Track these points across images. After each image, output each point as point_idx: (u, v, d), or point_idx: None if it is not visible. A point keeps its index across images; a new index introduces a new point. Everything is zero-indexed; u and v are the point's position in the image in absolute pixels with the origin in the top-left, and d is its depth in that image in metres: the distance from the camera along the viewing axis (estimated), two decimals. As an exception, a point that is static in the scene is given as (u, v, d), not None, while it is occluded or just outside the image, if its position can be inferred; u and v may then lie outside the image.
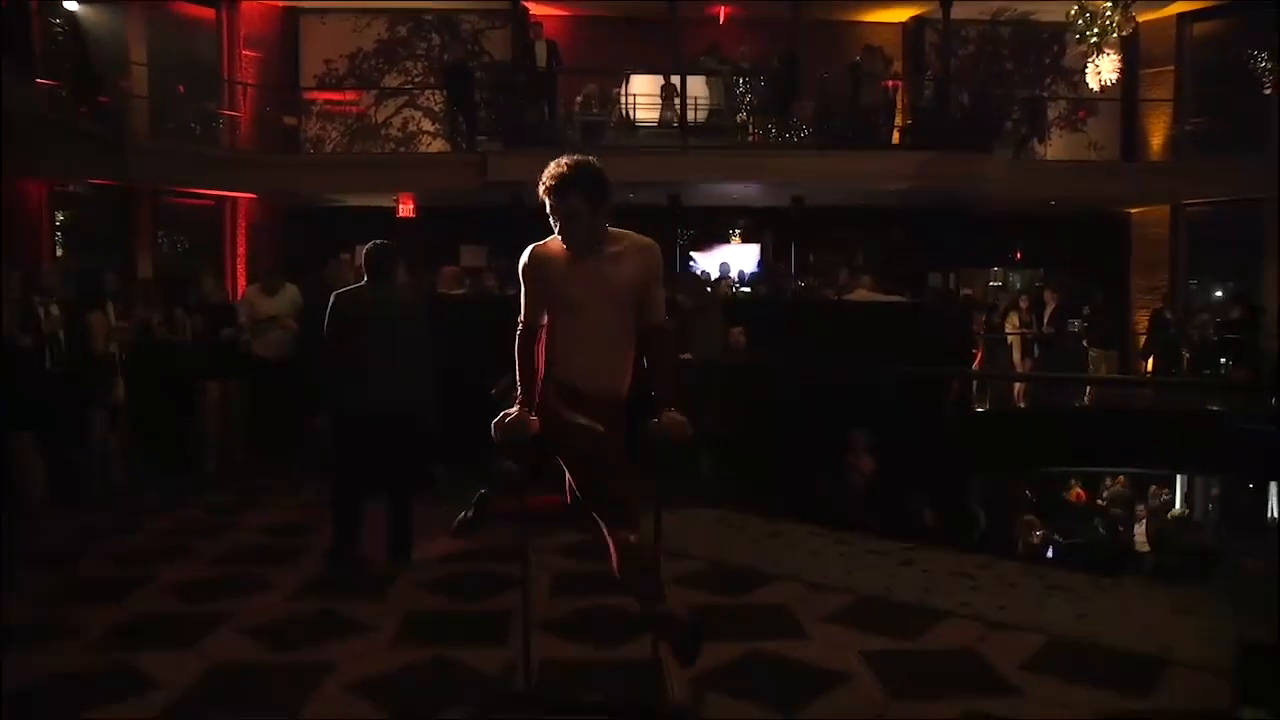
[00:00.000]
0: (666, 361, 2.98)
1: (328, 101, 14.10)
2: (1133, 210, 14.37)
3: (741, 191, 13.20)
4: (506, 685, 3.30)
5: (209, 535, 5.69)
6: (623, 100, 13.19)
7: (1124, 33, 8.28)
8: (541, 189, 2.84)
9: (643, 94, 13.29)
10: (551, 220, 2.86)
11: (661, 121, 12.98)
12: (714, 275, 12.87)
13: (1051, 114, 13.99)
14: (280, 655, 3.78)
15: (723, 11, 13.69)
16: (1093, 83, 9.01)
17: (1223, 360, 12.67)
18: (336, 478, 4.89)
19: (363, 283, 4.88)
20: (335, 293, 4.84)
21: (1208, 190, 13.52)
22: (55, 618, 4.17)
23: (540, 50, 12.11)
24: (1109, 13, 7.02)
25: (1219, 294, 14.33)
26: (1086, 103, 13.77)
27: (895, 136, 13.16)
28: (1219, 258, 14.22)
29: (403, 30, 13.86)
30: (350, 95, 14.05)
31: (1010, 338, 11.80)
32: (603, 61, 13.39)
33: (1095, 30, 8.13)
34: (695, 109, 13.10)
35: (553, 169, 2.83)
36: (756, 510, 6.32)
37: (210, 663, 3.66)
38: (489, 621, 4.06)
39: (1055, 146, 14.04)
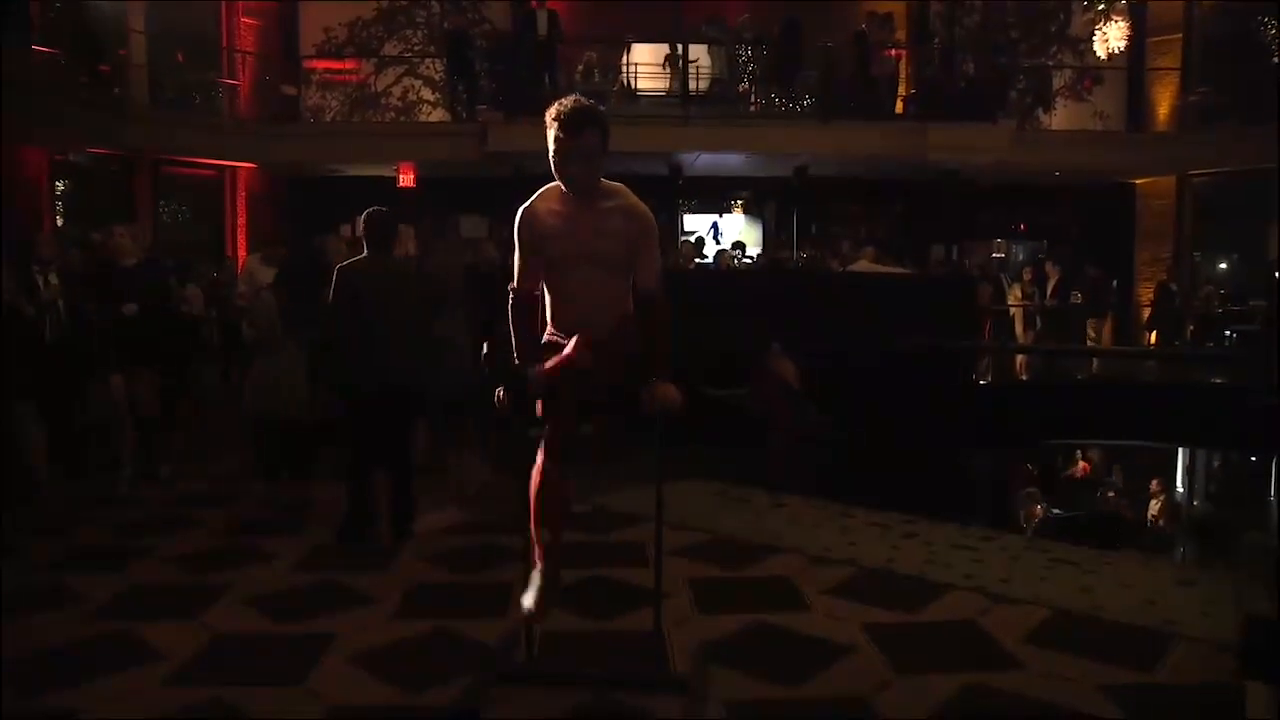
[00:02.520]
0: (655, 329, 2.92)
1: (327, 70, 13.98)
2: (1138, 181, 14.27)
3: (744, 162, 13.11)
4: (507, 657, 3.30)
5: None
6: (624, 69, 13.08)
7: (1133, -1, 8.15)
8: (555, 124, 2.73)
9: (644, 63, 13.18)
10: (556, 159, 2.77)
11: (669, 90, 12.87)
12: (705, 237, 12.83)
13: (1057, 83, 13.85)
14: (283, 626, 3.79)
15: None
16: (1100, 50, 8.91)
17: (1228, 333, 12.67)
18: (350, 453, 4.88)
19: (363, 255, 4.84)
20: (339, 267, 4.79)
21: (1214, 161, 13.42)
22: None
23: (541, 19, 11.96)
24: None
25: (1223, 265, 14.30)
26: (1092, 72, 13.63)
27: (899, 106, 13.04)
28: (1225, 229, 14.15)
29: (402, -2, 13.70)
30: (350, 64, 13.91)
31: (1014, 310, 11.77)
32: (604, 30, 13.24)
33: (1106, -4, 8.01)
34: (697, 78, 13.01)
35: (569, 103, 2.74)
36: (759, 484, 6.31)
37: (213, 633, 3.67)
38: (491, 593, 4.06)
39: (1060, 116, 13.92)
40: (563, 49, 12.46)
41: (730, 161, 13.02)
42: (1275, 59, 13.30)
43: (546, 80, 12.18)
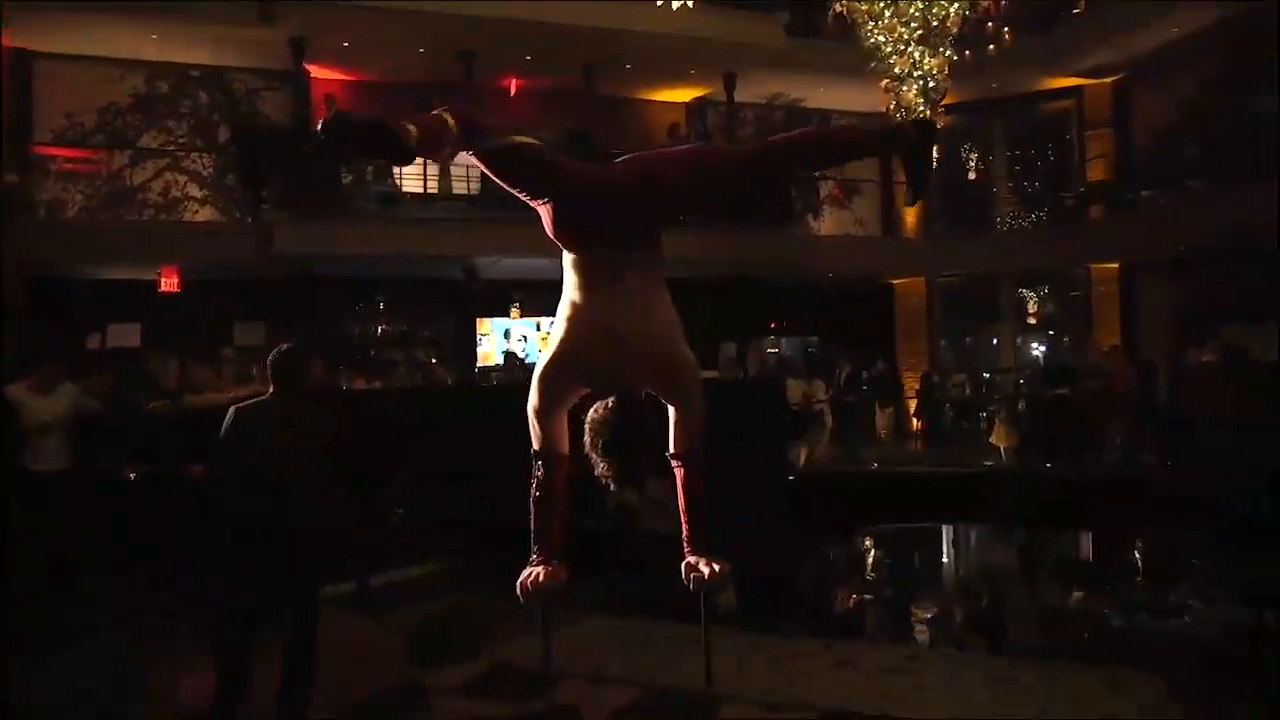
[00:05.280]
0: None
1: (68, 159, 12.39)
2: (895, 281, 15.69)
3: (545, 264, 13.00)
4: None
5: None
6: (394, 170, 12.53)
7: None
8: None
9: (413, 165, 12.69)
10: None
11: (440, 191, 12.50)
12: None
13: (823, 192, 15.01)
14: None
15: (514, 83, 13.57)
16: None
17: (982, 415, 14.08)
18: (225, 620, 4.09)
19: (267, 395, 4.19)
20: (235, 408, 4.14)
21: (956, 264, 15.08)
22: None
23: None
24: (920, 107, 7.64)
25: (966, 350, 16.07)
26: (845, 181, 14.92)
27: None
28: (967, 323, 15.94)
29: (164, 85, 12.49)
30: (96, 154, 12.43)
31: (819, 405, 12.37)
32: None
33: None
34: (468, 181, 12.77)
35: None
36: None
37: None
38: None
39: (827, 223, 15.07)
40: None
41: (535, 264, 12.87)
42: (971, 176, 15.41)
43: (336, 180, 11.52)
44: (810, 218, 14.64)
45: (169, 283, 11.96)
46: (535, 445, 2.57)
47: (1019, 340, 15.53)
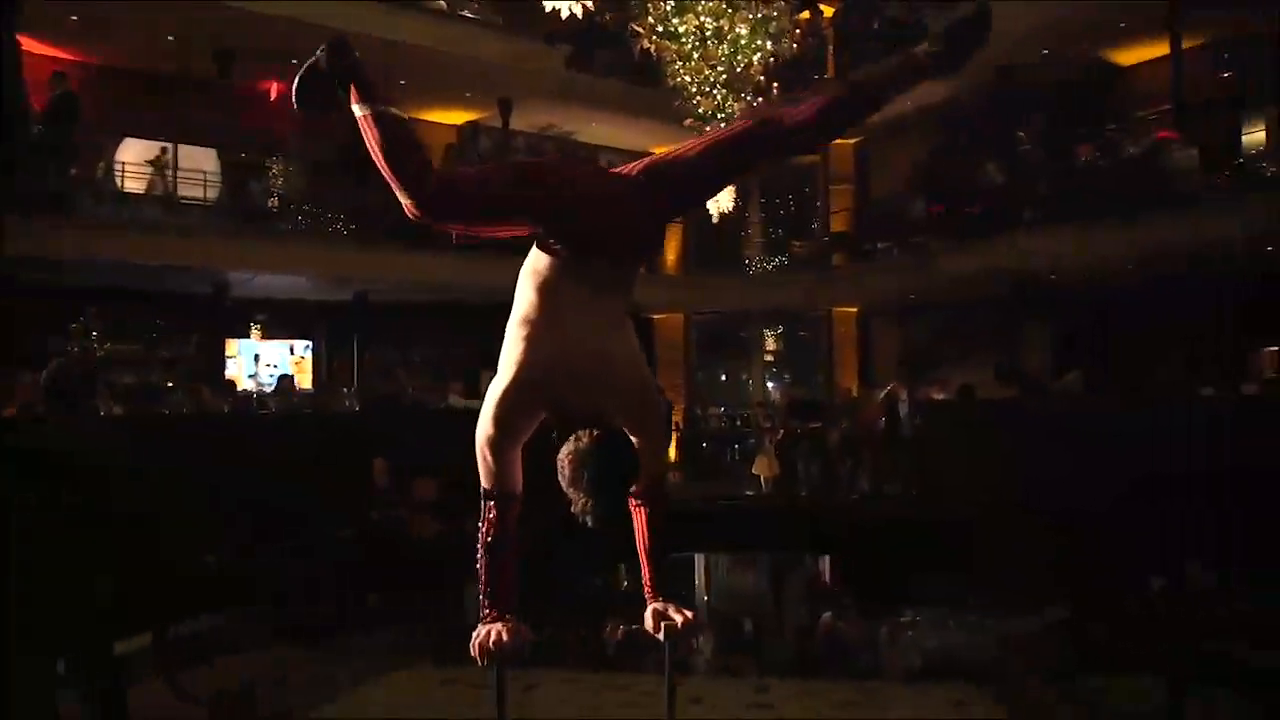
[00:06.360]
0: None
1: None
2: (655, 316, 16.14)
3: (298, 284, 12.07)
4: None
5: None
6: (110, 167, 11.15)
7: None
8: None
9: (130, 162, 11.38)
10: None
11: (149, 190, 11.26)
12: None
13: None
14: None
15: (275, 87, 12.56)
16: (712, 209, 9.92)
17: (736, 446, 14.78)
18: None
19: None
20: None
21: (712, 301, 15.78)
22: None
23: (60, 102, 9.88)
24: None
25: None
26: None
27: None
28: (720, 359, 16.73)
29: None
30: None
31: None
32: (139, 121, 11.41)
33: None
34: (204, 186, 11.64)
35: None
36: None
37: None
38: None
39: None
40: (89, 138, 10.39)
41: (290, 283, 11.90)
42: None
43: (62, 176, 10.01)
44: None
45: None
46: (486, 483, 2.27)
47: (767, 377, 16.51)
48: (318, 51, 2.05)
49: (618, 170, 2.31)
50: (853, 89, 2.26)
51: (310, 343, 12.96)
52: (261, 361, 12.58)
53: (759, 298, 15.45)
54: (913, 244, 13.56)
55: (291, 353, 12.59)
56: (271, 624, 4.91)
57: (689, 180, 2.29)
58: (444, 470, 7.68)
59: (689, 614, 2.36)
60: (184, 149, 11.62)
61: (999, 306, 12.16)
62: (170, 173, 11.69)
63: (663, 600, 2.39)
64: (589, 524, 2.12)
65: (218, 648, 4.59)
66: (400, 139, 2.03)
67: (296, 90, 2.07)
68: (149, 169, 11.46)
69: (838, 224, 15.30)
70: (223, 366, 11.40)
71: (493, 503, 2.25)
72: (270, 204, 11.96)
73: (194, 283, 11.12)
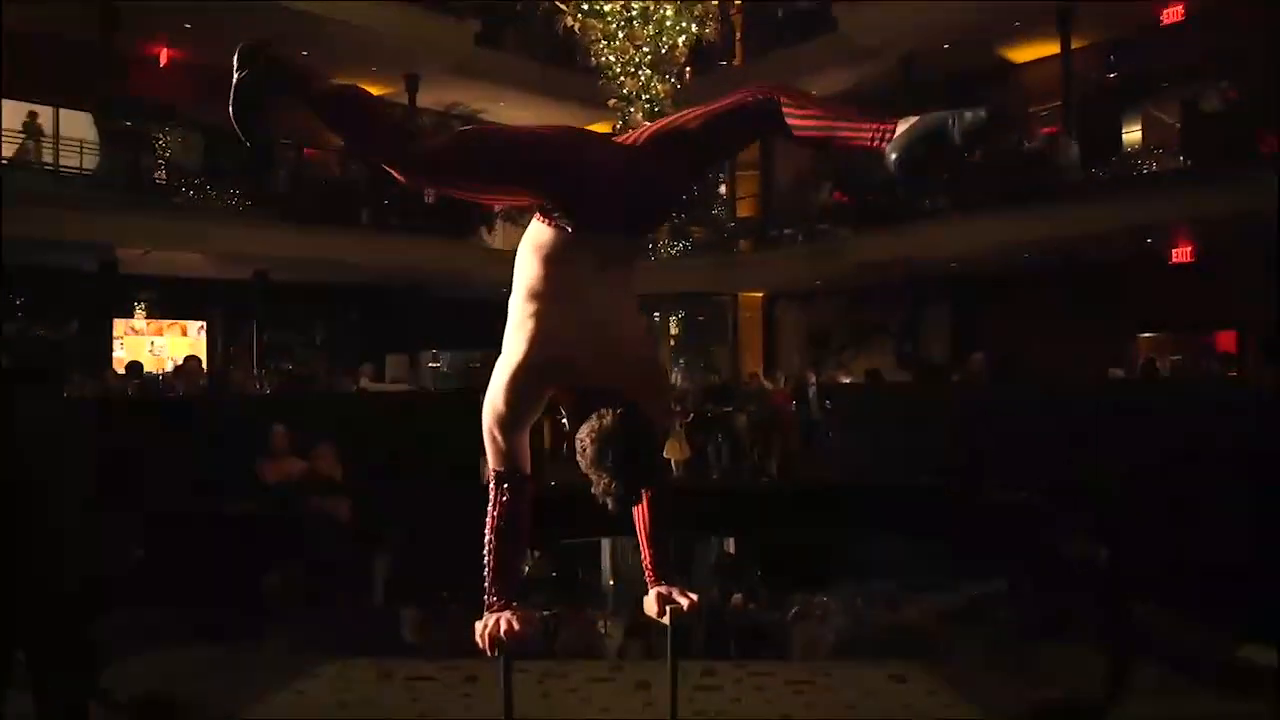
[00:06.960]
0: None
1: None
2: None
3: (194, 260, 11.45)
4: None
5: None
6: None
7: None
8: None
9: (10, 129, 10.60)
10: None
11: (18, 154, 10.52)
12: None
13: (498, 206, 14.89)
14: None
15: (165, 53, 11.83)
16: None
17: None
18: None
19: None
20: None
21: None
22: None
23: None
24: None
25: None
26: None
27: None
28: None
29: None
30: None
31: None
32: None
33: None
34: (80, 154, 10.89)
35: None
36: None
37: None
38: None
39: (500, 237, 14.96)
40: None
41: (181, 259, 11.28)
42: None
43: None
44: (485, 231, 14.46)
45: None
46: (495, 466, 2.17)
47: (673, 362, 16.58)
48: (235, 71, 1.95)
49: (621, 139, 2.23)
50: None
51: (204, 324, 12.32)
52: (157, 345, 11.91)
53: (663, 282, 15.49)
54: (818, 231, 13.83)
55: (184, 334, 11.95)
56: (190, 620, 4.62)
57: (696, 149, 2.20)
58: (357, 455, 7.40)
59: (694, 597, 2.32)
60: (66, 114, 10.81)
61: (901, 293, 12.54)
62: (44, 138, 10.94)
63: (665, 584, 2.35)
64: (609, 506, 2.06)
65: (132, 647, 4.30)
66: (369, 108, 1.99)
67: (236, 119, 1.97)
68: (20, 133, 10.70)
69: (743, 209, 15.46)
70: (110, 348, 10.72)
71: (506, 485, 2.16)
72: (157, 176, 11.27)
73: (75, 256, 10.41)
